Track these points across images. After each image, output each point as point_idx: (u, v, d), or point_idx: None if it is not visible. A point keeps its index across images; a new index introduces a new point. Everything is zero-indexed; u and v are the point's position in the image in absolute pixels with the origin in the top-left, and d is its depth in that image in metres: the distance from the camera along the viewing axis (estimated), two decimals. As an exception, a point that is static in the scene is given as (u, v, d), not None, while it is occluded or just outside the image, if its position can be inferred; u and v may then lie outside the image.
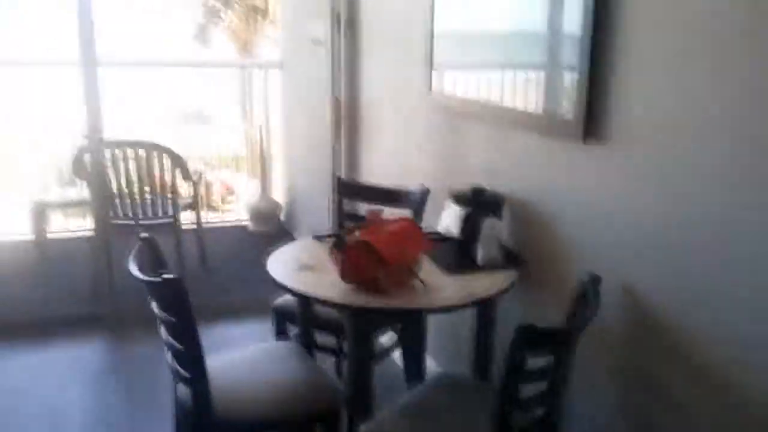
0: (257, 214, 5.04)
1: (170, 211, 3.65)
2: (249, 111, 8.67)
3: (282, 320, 2.49)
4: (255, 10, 16.97)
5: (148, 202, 3.61)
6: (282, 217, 5.12)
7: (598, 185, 1.77)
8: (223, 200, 12.66)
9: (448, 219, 2.16)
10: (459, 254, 2.07)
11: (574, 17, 1.76)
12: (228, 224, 5.30)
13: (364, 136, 3.49)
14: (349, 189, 2.82)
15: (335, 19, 3.51)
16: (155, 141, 3.52)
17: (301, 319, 2.36)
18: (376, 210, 1.97)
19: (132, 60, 4.96)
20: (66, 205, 4.37)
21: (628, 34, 1.63)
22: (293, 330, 2.49)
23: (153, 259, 1.86)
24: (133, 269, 1.69)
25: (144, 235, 1.83)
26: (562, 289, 1.85)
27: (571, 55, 1.79)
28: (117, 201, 3.56)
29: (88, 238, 4.40)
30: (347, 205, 2.78)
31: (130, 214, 3.60)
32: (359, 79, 3.48)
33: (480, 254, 2.01)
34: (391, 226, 1.90)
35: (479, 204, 2.11)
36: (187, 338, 1.64)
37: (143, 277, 1.64)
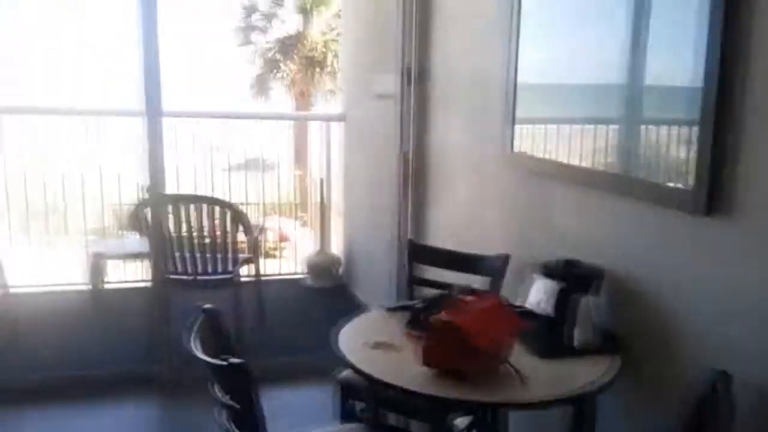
0: (315, 269, 4.89)
1: (229, 267, 3.53)
2: (304, 162, 8.70)
3: (347, 395, 2.29)
4: (313, 62, 17.29)
5: (207, 257, 3.49)
6: (340, 272, 4.96)
7: (723, 265, 1.53)
8: (276, 247, 12.64)
9: (537, 294, 1.94)
10: (551, 335, 1.84)
11: (694, 65, 1.54)
12: (285, 277, 5.17)
13: (433, 194, 3.31)
14: (420, 253, 2.63)
15: (405, 71, 3.38)
16: (216, 196, 3.43)
17: (370, 399, 2.15)
18: (463, 288, 1.76)
19: (194, 112, 4.95)
20: (124, 256, 4.30)
21: (761, 87, 1.42)
22: (359, 405, 2.29)
23: (215, 333, 1.70)
24: (194, 346, 1.53)
25: (207, 306, 1.67)
26: (675, 386, 1.61)
27: (689, 110, 1.56)
28: (176, 256, 3.45)
29: (146, 290, 4.35)
30: (416, 269, 2.59)
31: (189, 270, 3.48)
32: (429, 134, 3.33)
33: (577, 337, 1.78)
34: (479, 304, 1.69)
35: (573, 278, 1.89)
36: (251, 429, 1.45)
37: (205, 359, 1.47)
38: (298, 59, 17.26)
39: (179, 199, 3.39)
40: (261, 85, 17.29)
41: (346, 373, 2.29)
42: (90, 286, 4.33)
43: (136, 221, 3.33)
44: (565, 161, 2.17)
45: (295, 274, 5.23)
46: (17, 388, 3.02)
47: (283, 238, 15.26)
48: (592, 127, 2.12)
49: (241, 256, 3.67)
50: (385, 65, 3.69)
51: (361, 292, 4.52)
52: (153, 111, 2.91)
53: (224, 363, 1.42)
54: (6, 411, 2.93)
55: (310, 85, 17.71)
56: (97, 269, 4.13)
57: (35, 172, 4.49)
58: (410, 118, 3.41)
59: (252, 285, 3.91)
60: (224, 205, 3.42)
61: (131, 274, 4.65)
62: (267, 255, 10.77)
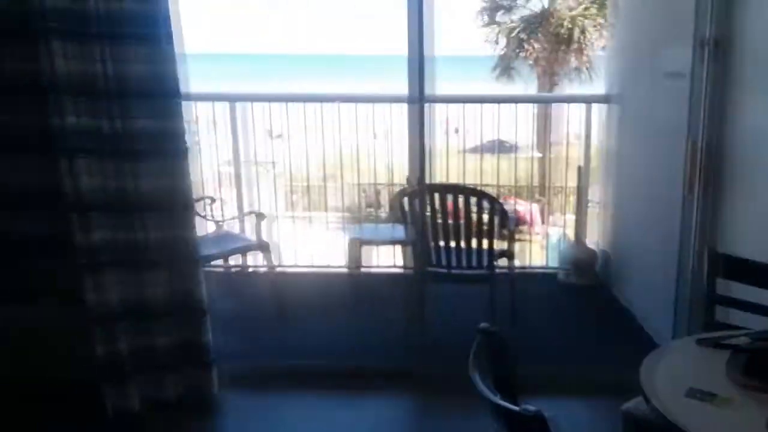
0: (572, 263, 4.51)
1: (485, 262, 3.31)
2: (545, 144, 8.28)
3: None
4: (559, 39, 16.50)
5: (464, 250, 3.31)
6: (597, 268, 4.52)
7: None
8: (519, 231, 12.35)
9: None
10: None
11: None
12: (536, 271, 4.85)
13: (733, 192, 2.77)
14: (728, 266, 2.16)
15: (700, 43, 2.85)
16: (476, 187, 3.23)
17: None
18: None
19: (454, 96, 4.80)
20: (379, 242, 4.32)
21: None
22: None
23: (493, 357, 1.47)
24: (476, 379, 1.31)
25: (483, 325, 1.44)
26: None
27: None
28: (432, 247, 3.32)
29: (399, 277, 4.35)
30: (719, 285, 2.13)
31: (443, 262, 3.34)
32: (728, 120, 2.78)
33: None
34: None
35: None
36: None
37: (494, 401, 1.24)
38: (543, 37, 16.61)
39: (439, 189, 3.25)
40: (504, 66, 16.95)
41: (633, 404, 1.94)
42: (347, 270, 4.44)
43: (397, 210, 3.26)
44: None
45: (546, 268, 4.90)
46: (278, 371, 3.10)
47: (522, 221, 14.89)
48: None
49: (497, 249, 3.44)
50: (671, 37, 3.18)
51: (625, 296, 4.05)
52: (416, 97, 2.77)
53: (516, 410, 1.18)
54: (265, 393, 3.02)
55: (555, 64, 16.96)
56: (354, 254, 4.19)
57: (299, 156, 4.67)
58: (703, 100, 2.88)
59: (504, 279, 3.67)
60: (484, 196, 3.21)
61: (385, 258, 4.68)
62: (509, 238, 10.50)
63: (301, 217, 5.44)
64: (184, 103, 2.64)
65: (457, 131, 6.08)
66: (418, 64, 2.74)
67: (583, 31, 15.90)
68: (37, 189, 2.60)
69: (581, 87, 16.72)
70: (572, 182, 4.66)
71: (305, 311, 3.87)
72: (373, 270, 4.58)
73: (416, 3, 2.61)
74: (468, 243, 3.28)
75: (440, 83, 3.47)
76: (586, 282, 4.44)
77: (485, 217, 3.23)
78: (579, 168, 4.42)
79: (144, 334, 2.69)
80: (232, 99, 4.51)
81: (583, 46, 16.14)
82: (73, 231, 2.55)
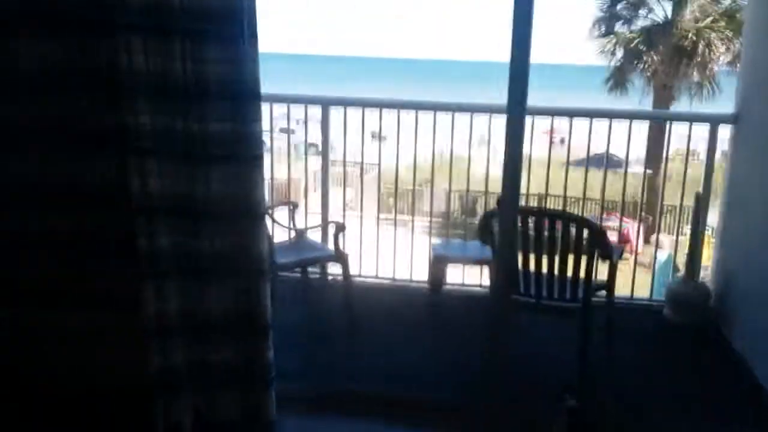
0: (678, 300, 4.05)
1: (580, 294, 2.98)
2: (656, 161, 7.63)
3: None
4: (681, 51, 15.49)
5: (556, 279, 3.00)
6: (711, 304, 4.04)
7: None
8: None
9: None
10: None
11: None
12: (636, 303, 4.41)
13: None
14: None
15: None
16: (574, 213, 2.91)
17: None
18: None
19: (556, 108, 4.45)
20: (465, 260, 4.05)
21: None
22: None
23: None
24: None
25: (570, 404, 1.17)
26: None
27: None
28: (521, 275, 3.03)
29: (483, 299, 4.07)
30: None
31: (532, 292, 3.03)
32: None
33: None
34: None
35: None
36: None
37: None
38: (663, 49, 15.67)
39: (533, 213, 2.95)
40: (619, 78, 16.14)
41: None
42: (428, 286, 4.20)
43: (484, 232, 2.99)
44: None
45: (651, 300, 4.45)
46: (340, 395, 2.92)
47: (625, 240, 14.10)
48: None
49: (595, 281, 3.09)
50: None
51: (741, 341, 3.57)
52: (516, 108, 2.48)
53: None
54: (323, 417, 2.84)
55: (674, 77, 15.96)
56: (437, 271, 3.94)
57: (392, 159, 4.47)
58: None
59: (600, 314, 3.31)
60: (582, 222, 2.88)
61: (471, 275, 4.40)
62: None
63: (388, 220, 5.25)
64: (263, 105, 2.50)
65: (563, 142, 5.68)
66: (520, 73, 2.44)
67: (708, 44, 14.88)
68: (103, 189, 2.51)
69: (703, 104, 15.69)
70: (684, 201, 4.22)
71: (378, 328, 3.68)
72: (459, 288, 4.31)
73: (525, 5, 2.33)
74: (562, 272, 2.96)
75: (540, 93, 3.16)
76: (694, 321, 3.98)
77: (583, 245, 2.90)
78: (697, 195, 3.95)
79: (201, 349, 2.55)
80: (325, 102, 4.37)
81: (708, 60, 15.11)
82: (137, 235, 2.45)
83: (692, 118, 4.25)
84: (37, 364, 2.67)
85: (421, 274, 4.46)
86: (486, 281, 4.29)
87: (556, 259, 2.94)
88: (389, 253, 4.54)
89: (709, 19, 15.27)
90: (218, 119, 2.43)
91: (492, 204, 4.04)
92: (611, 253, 2.95)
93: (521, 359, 3.08)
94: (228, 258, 2.52)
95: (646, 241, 13.02)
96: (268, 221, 3.56)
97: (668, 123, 4.62)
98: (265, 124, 4.12)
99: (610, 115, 4.20)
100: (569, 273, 2.96)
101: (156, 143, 2.42)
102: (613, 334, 3.27)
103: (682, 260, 5.15)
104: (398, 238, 4.54)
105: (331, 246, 3.76)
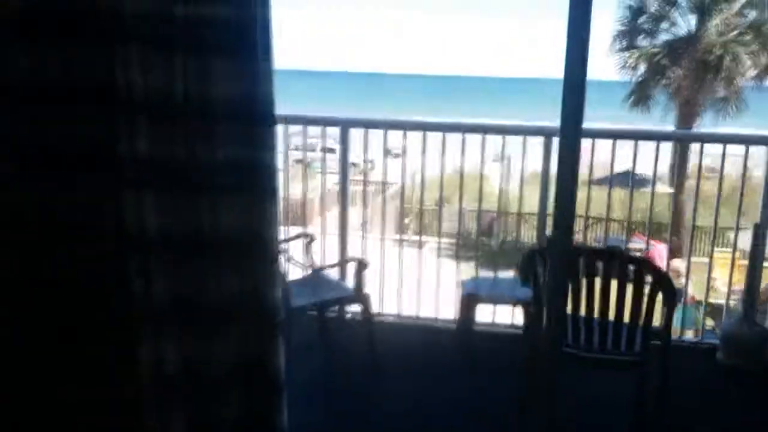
0: (735, 342, 3.66)
1: (637, 346, 2.61)
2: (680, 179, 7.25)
3: None
4: (706, 66, 15.07)
5: (609, 329, 2.63)
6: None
7: None
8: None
9: None
10: None
11: None
12: (685, 345, 4.01)
13: None
14: None
15: None
16: (636, 254, 2.54)
17: None
18: None
19: (609, 130, 4.10)
20: (499, 300, 3.67)
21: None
22: None
23: None
24: None
25: None
26: None
27: None
28: (569, 322, 2.66)
29: (518, 341, 3.72)
30: None
31: (582, 342, 2.66)
32: None
33: None
34: None
35: None
36: None
37: None
38: (686, 64, 15.26)
39: (586, 252, 2.60)
40: (641, 94, 15.73)
41: None
42: (456, 326, 3.84)
43: (527, 271, 2.63)
44: None
45: (700, 342, 4.05)
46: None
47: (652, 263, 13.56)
48: None
49: (651, 329, 2.72)
50: None
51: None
52: (570, 130, 2.12)
53: None
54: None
55: (699, 93, 15.54)
56: (467, 311, 3.57)
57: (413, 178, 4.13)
58: None
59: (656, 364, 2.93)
60: (643, 265, 2.52)
61: (501, 314, 4.03)
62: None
63: (409, 242, 4.89)
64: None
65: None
66: (575, 89, 2.09)
67: (734, 59, 14.46)
68: (93, 224, 2.17)
69: (728, 120, 15.27)
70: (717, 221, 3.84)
71: (403, 375, 3.32)
72: (486, 329, 3.94)
73: (581, 15, 1.98)
74: (618, 320, 2.59)
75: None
76: (752, 365, 3.58)
77: (645, 289, 2.53)
78: (756, 226, 3.56)
79: (204, 409, 2.21)
80: (344, 124, 4.04)
81: (734, 74, 14.69)
82: (131, 277, 2.11)
83: (748, 141, 3.85)
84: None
85: (446, 308, 4.11)
86: (518, 320, 3.94)
87: (610, 305, 2.57)
88: (412, 283, 4.17)
89: (734, 33, 14.87)
90: (227, 145, 2.10)
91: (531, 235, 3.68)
92: (675, 299, 2.58)
93: (566, 418, 2.73)
94: (236, 305, 2.18)
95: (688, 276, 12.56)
96: (282, 258, 3.23)
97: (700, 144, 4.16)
98: (280, 146, 3.77)
99: (660, 137, 3.84)
100: (625, 320, 2.59)
101: (155, 173, 2.09)
102: (668, 387, 2.89)
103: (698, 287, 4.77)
104: (420, 265, 4.18)
105: (350, 283, 3.41)
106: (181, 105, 2.07)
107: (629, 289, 2.54)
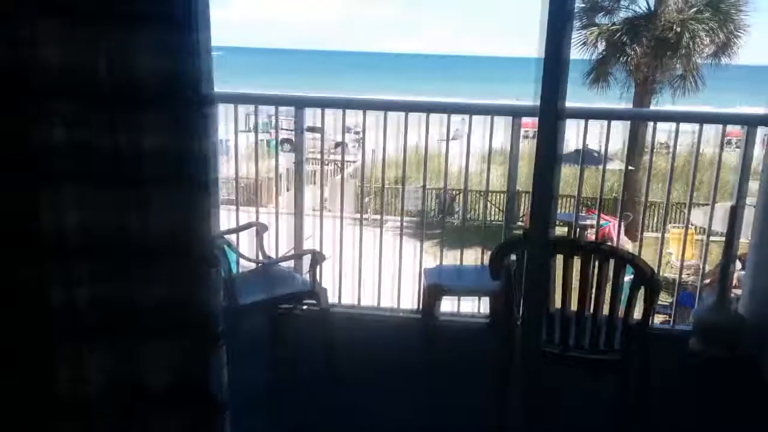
0: (708, 330, 3.53)
1: (617, 344, 2.42)
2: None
3: None
4: (665, 44, 15.06)
5: (586, 326, 2.43)
6: (744, 333, 3.51)
7: None
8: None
9: None
10: None
11: None
12: (654, 332, 3.86)
13: None
14: None
15: None
16: (615, 248, 2.33)
17: None
18: None
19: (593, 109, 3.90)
20: (465, 292, 3.46)
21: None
22: None
23: None
24: None
25: None
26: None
27: None
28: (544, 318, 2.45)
29: (489, 331, 3.53)
30: None
31: (556, 341, 2.46)
32: None
33: None
34: None
35: None
36: None
37: None
38: (645, 41, 15.23)
39: (560, 246, 2.38)
40: (601, 71, 15.67)
41: None
42: (420, 316, 3.63)
43: (498, 267, 2.40)
44: None
45: (671, 327, 3.92)
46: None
47: (607, 238, 13.65)
48: None
49: (632, 323, 2.53)
50: None
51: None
52: (548, 111, 1.89)
53: None
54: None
55: (657, 70, 15.56)
56: (430, 303, 3.35)
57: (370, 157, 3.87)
58: None
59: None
60: (623, 258, 2.32)
61: (468, 304, 3.83)
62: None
63: (370, 221, 4.62)
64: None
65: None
66: (553, 66, 1.86)
67: (693, 36, 14.48)
68: (2, 224, 1.86)
69: (686, 97, 15.36)
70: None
71: (363, 374, 3.09)
72: (452, 320, 3.73)
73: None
74: (594, 318, 2.39)
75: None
76: (727, 353, 3.45)
77: (622, 285, 2.33)
78: (732, 209, 3.40)
79: (135, 430, 1.94)
80: (298, 103, 3.74)
81: (692, 52, 14.72)
82: (48, 284, 1.82)
83: (726, 120, 3.70)
84: None
85: (408, 296, 3.89)
86: (483, 309, 3.74)
87: (589, 301, 2.37)
88: (372, 269, 3.92)
89: (692, 10, 14.87)
90: (155, 131, 1.81)
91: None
92: (658, 296, 2.39)
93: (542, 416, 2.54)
94: (169, 311, 1.91)
95: (632, 239, 12.63)
96: (229, 250, 2.94)
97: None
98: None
99: (637, 116, 3.66)
100: (603, 315, 2.40)
101: (74, 165, 1.80)
102: (647, 383, 2.71)
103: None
104: (381, 248, 3.93)
105: (306, 275, 3.15)
106: (103, 86, 1.77)
107: (608, 283, 2.34)
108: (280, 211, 3.89)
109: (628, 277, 2.37)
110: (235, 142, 4.11)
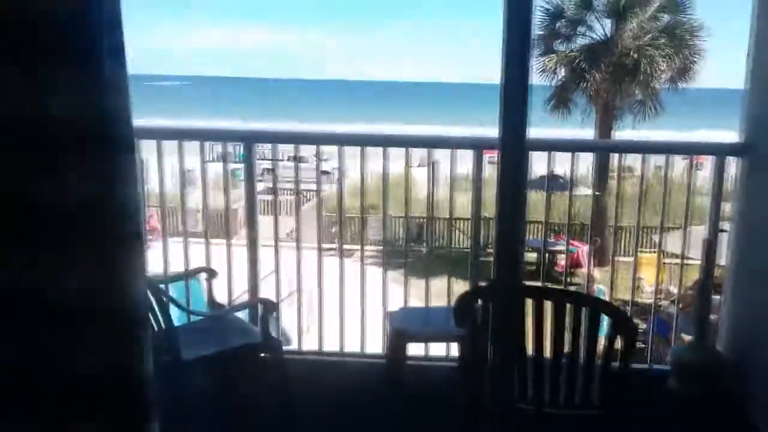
0: (686, 369, 3.37)
1: (594, 396, 2.22)
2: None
3: None
4: (624, 70, 15.27)
5: (561, 378, 2.23)
6: (723, 374, 3.35)
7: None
8: (572, 274, 11.13)
9: None
10: None
11: None
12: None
13: None
14: None
15: None
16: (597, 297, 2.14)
17: None
18: None
19: (560, 142, 3.77)
20: (432, 338, 3.25)
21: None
22: None
23: None
24: None
25: None
26: None
27: None
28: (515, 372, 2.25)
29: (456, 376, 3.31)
30: None
31: (530, 394, 2.25)
32: None
33: None
34: None
35: None
36: None
37: None
38: (604, 68, 15.44)
39: (532, 293, 2.19)
40: (561, 97, 15.81)
41: None
42: (385, 361, 3.40)
43: (463, 315, 2.20)
44: None
45: (651, 371, 3.74)
46: None
47: (576, 264, 13.57)
48: None
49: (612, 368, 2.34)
50: None
51: (764, 416, 2.91)
52: (512, 142, 1.73)
53: None
54: None
55: (617, 96, 15.77)
56: (396, 349, 3.13)
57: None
58: None
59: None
60: (598, 306, 2.14)
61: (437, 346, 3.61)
62: (556, 280, 9.24)
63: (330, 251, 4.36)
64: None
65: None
66: (516, 95, 1.70)
67: (650, 62, 14.70)
68: None
69: (646, 122, 15.56)
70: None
71: (321, 429, 2.84)
72: (420, 364, 3.51)
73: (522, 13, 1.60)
74: (570, 369, 2.19)
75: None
76: (705, 390, 3.30)
77: (601, 335, 2.15)
78: (708, 242, 3.26)
79: None
80: (249, 138, 3.53)
81: (650, 78, 14.94)
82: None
83: (695, 150, 3.60)
84: None
85: (374, 339, 3.67)
86: (453, 352, 3.53)
87: (562, 351, 2.17)
88: (334, 308, 3.69)
89: (648, 36, 15.14)
90: (72, 179, 1.59)
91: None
92: (635, 343, 2.20)
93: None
94: (94, 381, 1.66)
95: (601, 264, 12.58)
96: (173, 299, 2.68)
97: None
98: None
99: (605, 148, 3.55)
100: (579, 366, 2.20)
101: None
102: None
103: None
104: (343, 283, 3.71)
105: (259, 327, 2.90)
106: (9, 128, 1.54)
107: (582, 332, 2.15)
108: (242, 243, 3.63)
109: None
110: (202, 171, 3.81)
